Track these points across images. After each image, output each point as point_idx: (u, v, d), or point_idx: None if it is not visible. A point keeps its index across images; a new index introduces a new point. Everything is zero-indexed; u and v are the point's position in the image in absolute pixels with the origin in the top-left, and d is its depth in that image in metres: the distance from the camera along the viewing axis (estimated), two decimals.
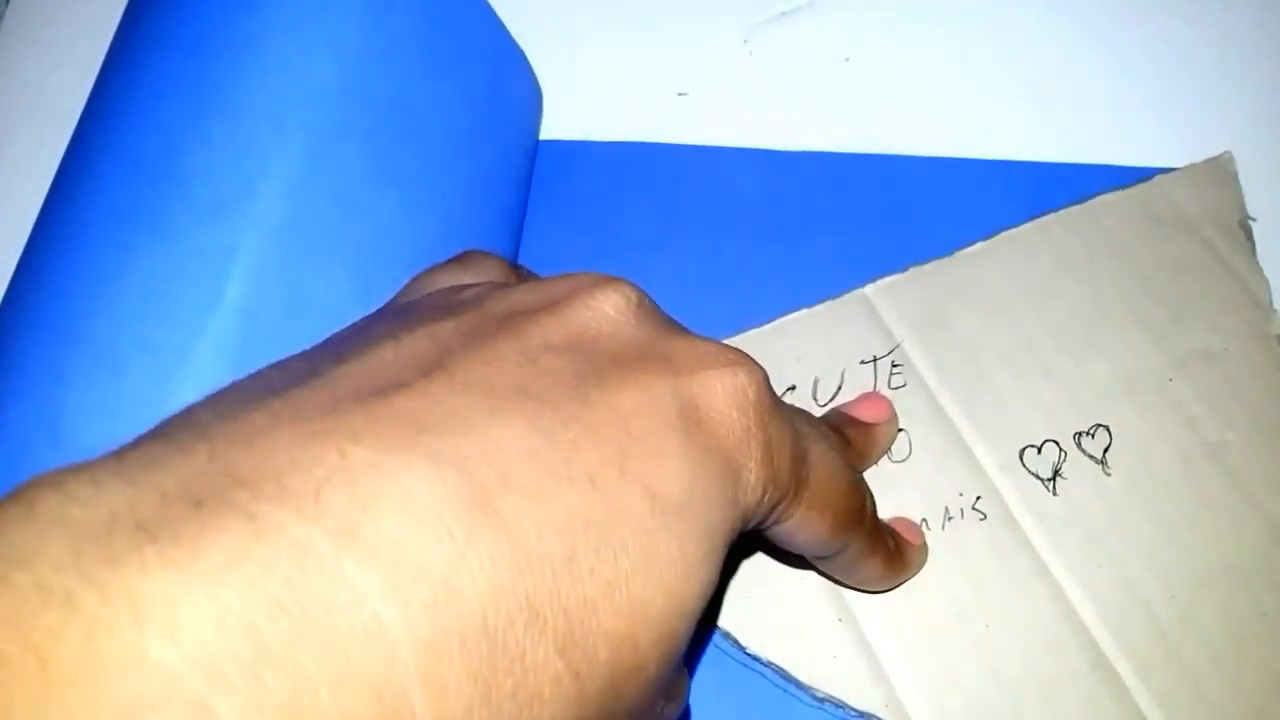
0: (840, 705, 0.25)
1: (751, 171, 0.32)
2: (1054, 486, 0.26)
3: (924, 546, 0.25)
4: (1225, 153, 0.31)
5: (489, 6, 0.28)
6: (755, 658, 0.26)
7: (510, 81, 0.29)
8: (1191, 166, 0.31)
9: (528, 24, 0.35)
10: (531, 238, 0.31)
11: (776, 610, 0.26)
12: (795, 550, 0.20)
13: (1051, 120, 0.33)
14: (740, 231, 0.31)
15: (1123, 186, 0.30)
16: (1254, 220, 0.29)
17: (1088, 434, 0.27)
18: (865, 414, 0.26)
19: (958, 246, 0.30)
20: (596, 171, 0.32)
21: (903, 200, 0.32)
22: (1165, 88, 0.34)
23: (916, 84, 0.34)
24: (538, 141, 0.33)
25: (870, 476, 0.26)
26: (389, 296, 0.20)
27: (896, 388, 0.28)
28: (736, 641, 0.26)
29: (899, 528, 0.25)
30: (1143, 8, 0.35)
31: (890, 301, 0.29)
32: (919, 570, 0.25)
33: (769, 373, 0.17)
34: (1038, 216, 0.30)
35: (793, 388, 0.28)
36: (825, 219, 0.31)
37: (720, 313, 0.30)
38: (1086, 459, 0.27)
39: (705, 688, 0.25)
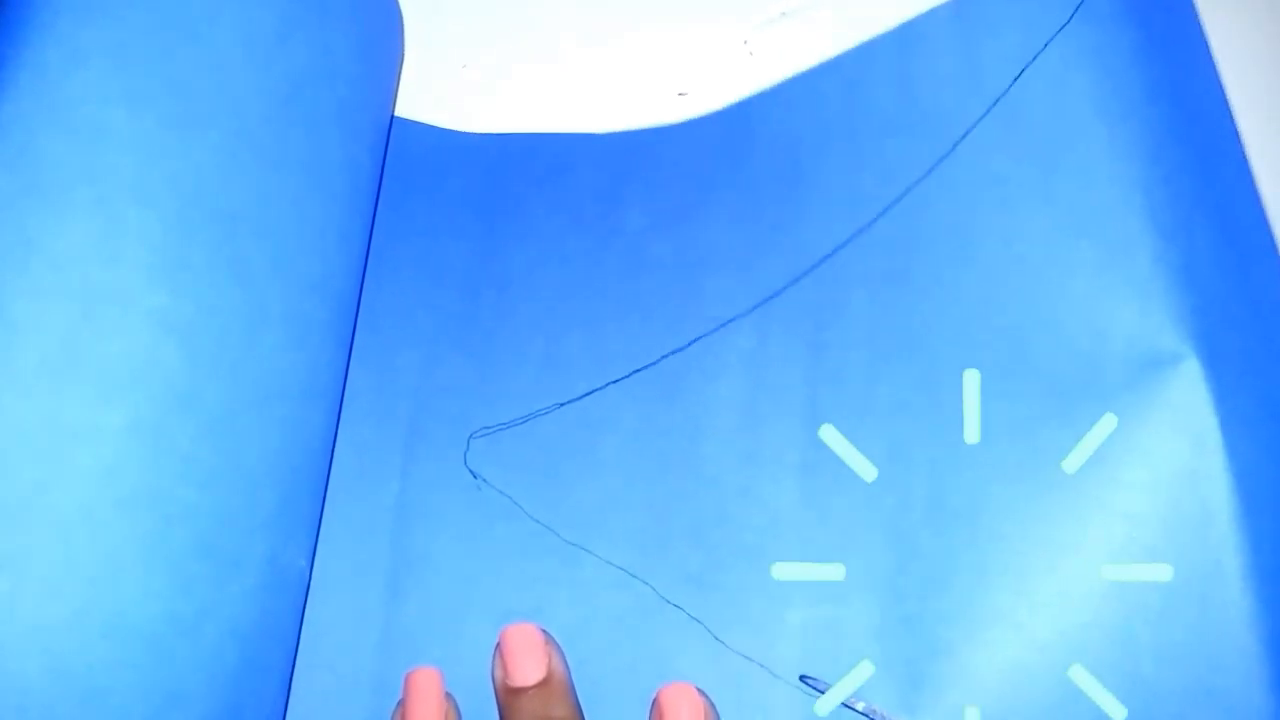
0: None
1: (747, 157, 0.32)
2: None
3: None
4: None
5: None
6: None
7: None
8: None
9: (528, 23, 0.35)
10: (532, 235, 0.31)
11: None
12: None
13: None
14: (740, 229, 0.31)
15: None
16: None
17: None
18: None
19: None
20: (594, 167, 0.32)
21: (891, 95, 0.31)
22: None
23: None
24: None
25: None
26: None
27: None
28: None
29: None
30: None
31: None
32: None
33: None
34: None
35: None
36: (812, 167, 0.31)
37: (719, 312, 0.30)
38: None
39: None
